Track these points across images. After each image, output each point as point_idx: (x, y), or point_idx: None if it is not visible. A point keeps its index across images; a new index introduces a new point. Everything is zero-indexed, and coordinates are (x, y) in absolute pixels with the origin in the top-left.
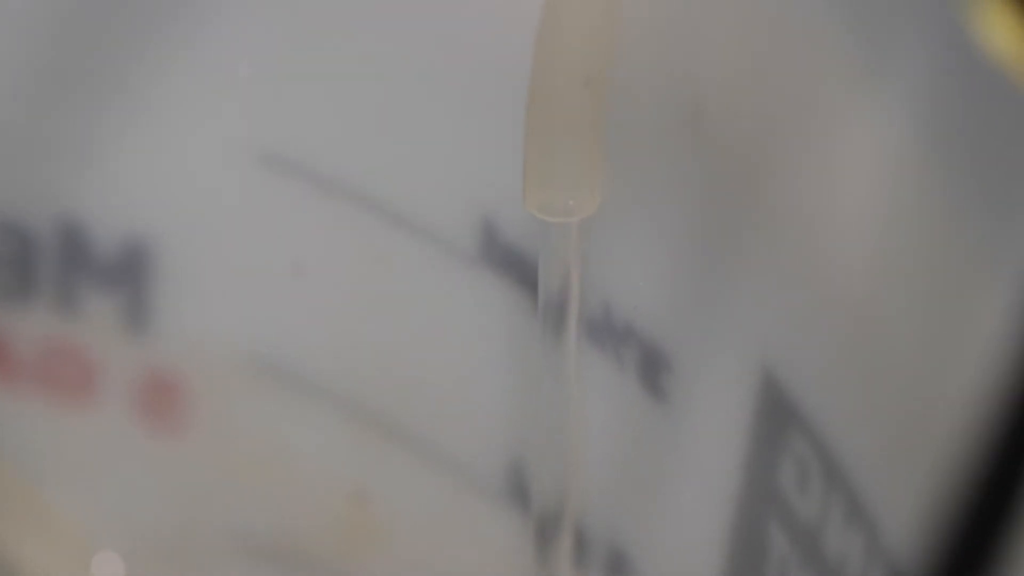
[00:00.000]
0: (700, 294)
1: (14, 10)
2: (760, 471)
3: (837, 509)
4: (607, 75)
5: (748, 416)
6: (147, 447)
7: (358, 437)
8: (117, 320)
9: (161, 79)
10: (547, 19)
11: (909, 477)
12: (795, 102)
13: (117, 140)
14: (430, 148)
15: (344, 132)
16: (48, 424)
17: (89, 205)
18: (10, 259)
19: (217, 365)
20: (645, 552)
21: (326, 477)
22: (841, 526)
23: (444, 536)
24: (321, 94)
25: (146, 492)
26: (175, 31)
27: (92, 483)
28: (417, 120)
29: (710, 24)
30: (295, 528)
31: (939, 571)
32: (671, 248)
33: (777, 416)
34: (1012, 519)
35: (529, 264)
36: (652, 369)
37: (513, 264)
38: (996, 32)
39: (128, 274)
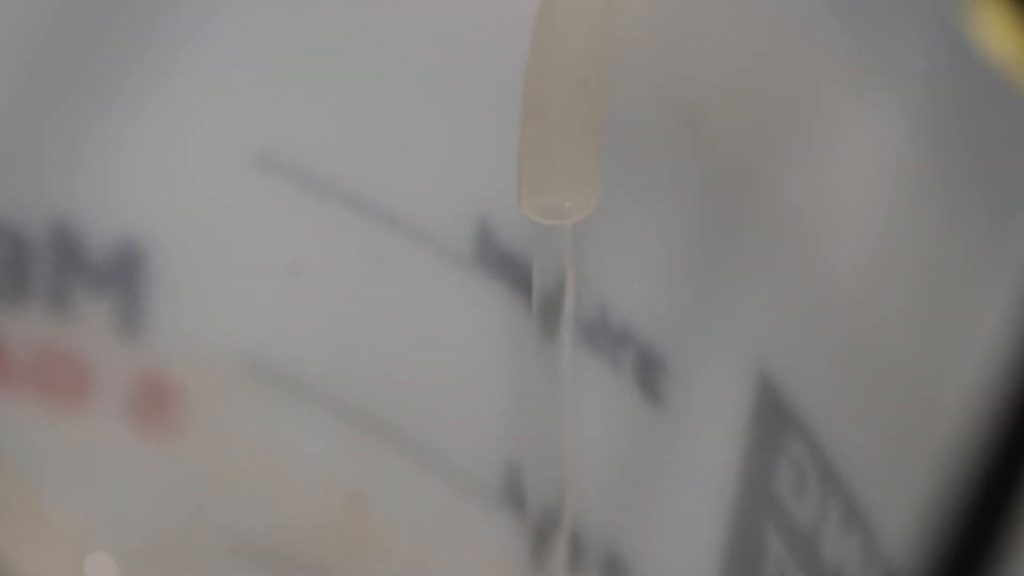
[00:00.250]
0: (697, 297)
1: (7, 11)
2: (757, 475)
3: (834, 513)
4: (603, 77)
5: (745, 419)
6: (143, 449)
7: (354, 439)
8: (112, 322)
9: (157, 80)
10: (543, 21)
11: (907, 481)
12: (793, 104)
13: (111, 142)
14: (426, 150)
15: (340, 134)
16: (43, 427)
17: (84, 207)
18: (4, 261)
19: (213, 367)
20: (641, 556)
21: (322, 480)
22: (838, 530)
23: (440, 539)
24: (318, 95)
25: (141, 494)
26: (170, 32)
27: (87, 486)
28: (413, 122)
29: (708, 26)
30: (292, 531)
31: (937, 575)
32: (668, 250)
33: (774, 419)
34: (1010, 523)
35: (525, 266)
36: (648, 372)
37: (509, 266)
38: (994, 34)
39: (123, 276)
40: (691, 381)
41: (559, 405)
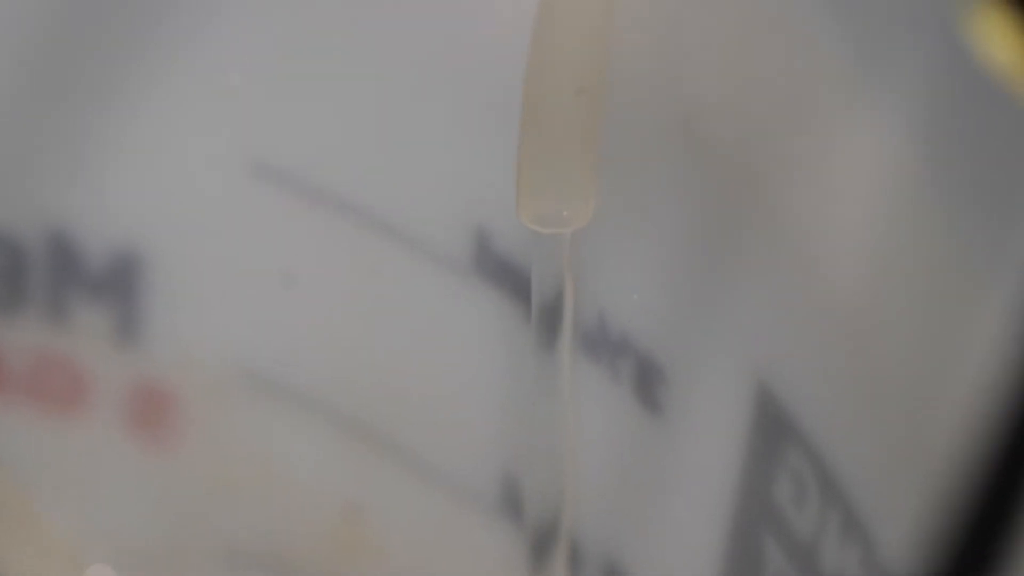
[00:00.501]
0: (696, 305)
1: (1, 21)
2: (756, 485)
3: (834, 523)
4: (602, 84)
5: (744, 429)
6: (138, 459)
7: (350, 448)
8: (108, 331)
9: (152, 89)
10: (541, 28)
11: (906, 491)
12: (791, 111)
13: (107, 151)
14: (423, 158)
15: (336, 142)
16: (40, 435)
17: (79, 216)
18: (1, 270)
19: (208, 376)
20: (640, 566)
21: (318, 488)
22: (838, 541)
23: (438, 549)
24: (313, 103)
25: (138, 503)
26: (165, 41)
27: (84, 494)
28: (410, 130)
29: (706, 30)
30: (288, 541)
31: None
32: (667, 258)
33: (773, 429)
34: (1011, 532)
35: (523, 275)
36: (647, 381)
37: (507, 274)
38: (993, 41)
39: (119, 285)
40: (690, 390)
41: (557, 414)
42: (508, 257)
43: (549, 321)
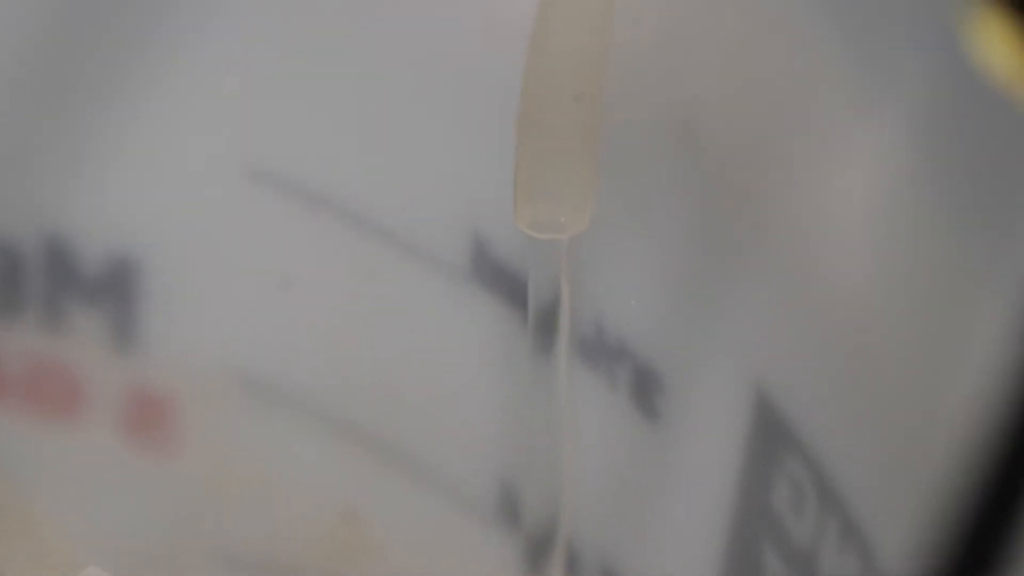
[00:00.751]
0: (693, 312)
1: (1, 21)
2: (754, 491)
3: (832, 531)
4: (599, 90)
5: (742, 436)
6: (135, 463)
7: (347, 454)
8: (104, 336)
9: (149, 94)
10: (538, 34)
11: (905, 498)
12: (791, 117)
13: (104, 155)
14: (421, 163)
15: (333, 147)
16: (36, 440)
17: (76, 221)
18: None
19: (205, 381)
20: (637, 572)
21: (316, 493)
22: (836, 548)
23: (435, 554)
24: (310, 109)
25: (134, 508)
26: (162, 46)
27: (80, 498)
28: (407, 135)
29: (704, 38)
30: (285, 546)
31: None
32: (664, 264)
33: (771, 436)
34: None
35: (520, 280)
36: (645, 387)
37: (504, 280)
38: (993, 47)
39: (115, 290)
40: (688, 396)
41: (554, 420)
42: (505, 262)
43: (546, 326)
